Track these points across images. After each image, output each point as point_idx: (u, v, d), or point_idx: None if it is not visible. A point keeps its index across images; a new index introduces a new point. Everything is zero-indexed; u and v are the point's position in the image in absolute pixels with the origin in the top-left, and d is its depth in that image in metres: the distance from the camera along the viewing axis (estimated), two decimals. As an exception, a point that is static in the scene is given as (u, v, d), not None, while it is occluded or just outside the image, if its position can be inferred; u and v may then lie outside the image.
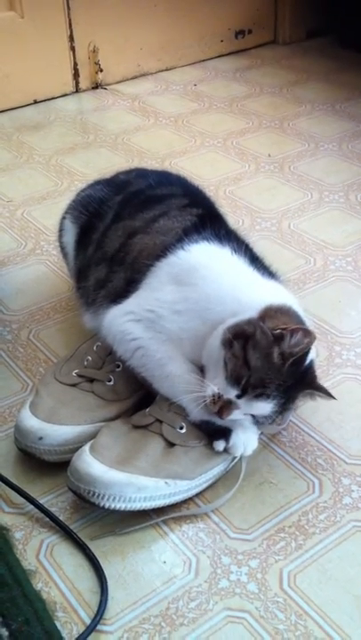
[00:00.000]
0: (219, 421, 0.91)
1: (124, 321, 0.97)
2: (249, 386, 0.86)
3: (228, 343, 0.87)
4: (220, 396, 0.87)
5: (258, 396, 0.86)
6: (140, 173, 1.22)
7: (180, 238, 0.98)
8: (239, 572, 0.84)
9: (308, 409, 1.05)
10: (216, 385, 0.88)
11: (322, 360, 1.13)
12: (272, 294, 0.94)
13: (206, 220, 1.02)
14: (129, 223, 1.06)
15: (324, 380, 1.10)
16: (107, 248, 1.07)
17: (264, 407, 0.87)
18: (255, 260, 0.98)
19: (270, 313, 0.90)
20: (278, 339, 0.86)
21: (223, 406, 0.87)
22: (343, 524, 0.88)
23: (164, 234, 1.01)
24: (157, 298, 0.95)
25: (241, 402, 0.87)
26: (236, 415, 0.88)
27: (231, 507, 0.91)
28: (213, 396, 0.87)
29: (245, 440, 0.93)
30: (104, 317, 1.00)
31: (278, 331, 0.87)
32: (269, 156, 1.77)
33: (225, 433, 0.92)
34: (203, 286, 0.93)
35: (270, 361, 0.86)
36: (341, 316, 1.23)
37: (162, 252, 0.98)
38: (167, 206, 1.06)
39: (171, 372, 0.93)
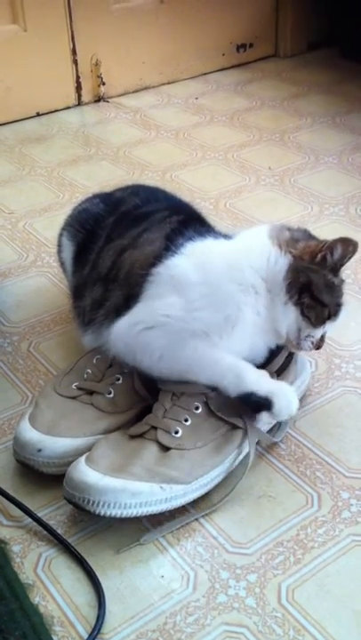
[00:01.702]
0: (259, 392, 0.94)
1: (136, 331, 0.96)
2: (331, 315, 0.97)
3: (298, 304, 0.95)
4: (314, 340, 0.98)
5: (338, 313, 0.99)
6: (134, 191, 1.22)
7: (166, 246, 0.99)
8: (237, 587, 0.83)
9: (307, 422, 1.05)
10: (307, 335, 0.97)
11: (321, 373, 1.14)
12: (256, 230, 1.00)
13: (188, 223, 1.04)
14: (118, 242, 1.07)
15: (323, 392, 1.10)
16: (100, 268, 1.07)
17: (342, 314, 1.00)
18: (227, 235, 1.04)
19: (287, 241, 0.97)
20: (322, 263, 0.95)
21: (320, 341, 0.99)
22: (342, 539, 0.88)
23: (151, 243, 1.02)
24: (169, 303, 0.95)
25: (328, 325, 0.98)
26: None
27: (229, 520, 0.91)
28: (313, 343, 0.98)
29: (287, 403, 0.94)
30: (110, 333, 1.00)
31: (318, 257, 0.95)
32: (270, 168, 1.78)
33: (266, 404, 0.94)
34: (212, 276, 0.95)
35: (331, 284, 0.96)
36: (341, 329, 1.22)
37: (154, 259, 0.99)
38: (150, 222, 1.07)
39: (205, 355, 0.94)
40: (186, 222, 1.04)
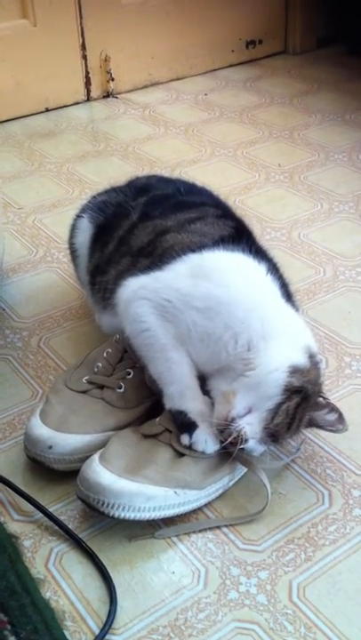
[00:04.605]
0: (190, 414, 0.92)
1: (139, 304, 0.95)
2: (276, 441, 0.90)
3: (289, 392, 0.88)
4: (239, 433, 0.87)
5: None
6: (163, 179, 1.23)
7: (217, 243, 0.98)
8: (248, 584, 0.83)
9: (317, 420, 1.05)
10: (250, 425, 0.87)
11: (331, 371, 1.13)
12: (299, 333, 0.95)
13: (242, 234, 1.02)
14: (160, 222, 1.06)
15: (333, 391, 1.10)
16: (132, 243, 1.06)
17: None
18: (284, 286, 0.98)
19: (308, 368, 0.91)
20: (317, 406, 0.92)
21: (238, 442, 0.87)
22: (353, 536, 0.88)
23: (201, 235, 1.01)
24: (177, 289, 0.94)
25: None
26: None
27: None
28: (240, 433, 0.86)
29: (207, 437, 0.91)
30: (121, 290, 0.98)
31: (324, 401, 0.92)
32: (279, 165, 1.77)
33: (190, 427, 0.92)
34: (233, 291, 0.92)
35: (301, 424, 0.91)
36: (351, 327, 1.23)
37: (197, 248, 0.97)
38: (203, 212, 1.06)
39: (171, 358, 0.93)
40: (240, 232, 1.03)
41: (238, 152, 1.85)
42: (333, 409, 0.93)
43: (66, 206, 1.62)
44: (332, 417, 0.93)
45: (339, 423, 0.93)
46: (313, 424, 0.93)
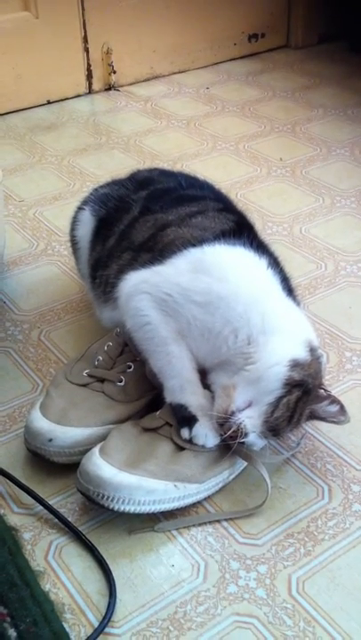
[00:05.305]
0: (191, 408, 0.92)
1: (140, 298, 0.95)
2: (277, 435, 0.90)
3: (289, 386, 0.88)
4: (239, 426, 0.87)
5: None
6: (164, 172, 1.23)
7: (218, 237, 0.97)
8: (248, 578, 0.84)
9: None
10: (249, 418, 0.87)
11: (332, 366, 1.13)
12: (299, 327, 0.95)
13: (243, 228, 1.02)
14: (161, 216, 1.06)
15: (333, 386, 1.10)
16: (134, 238, 1.06)
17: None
18: (285, 280, 0.98)
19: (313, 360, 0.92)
20: (318, 398, 0.92)
21: (238, 436, 0.87)
22: (352, 531, 0.88)
23: (202, 229, 1.00)
24: (178, 283, 0.94)
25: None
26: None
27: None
28: (239, 426, 0.86)
29: (208, 431, 0.91)
30: (123, 284, 0.98)
31: (325, 393, 0.92)
32: (281, 160, 1.77)
33: (190, 421, 0.92)
34: (233, 286, 0.92)
35: (301, 417, 0.91)
36: (352, 322, 1.23)
37: (198, 243, 0.97)
38: (204, 206, 1.06)
39: (172, 352, 0.93)
40: (241, 226, 1.03)
41: (240, 146, 1.85)
42: (335, 400, 0.93)
43: (67, 199, 1.61)
44: (333, 408, 0.93)
45: (340, 414, 0.93)
46: (314, 416, 0.93)
